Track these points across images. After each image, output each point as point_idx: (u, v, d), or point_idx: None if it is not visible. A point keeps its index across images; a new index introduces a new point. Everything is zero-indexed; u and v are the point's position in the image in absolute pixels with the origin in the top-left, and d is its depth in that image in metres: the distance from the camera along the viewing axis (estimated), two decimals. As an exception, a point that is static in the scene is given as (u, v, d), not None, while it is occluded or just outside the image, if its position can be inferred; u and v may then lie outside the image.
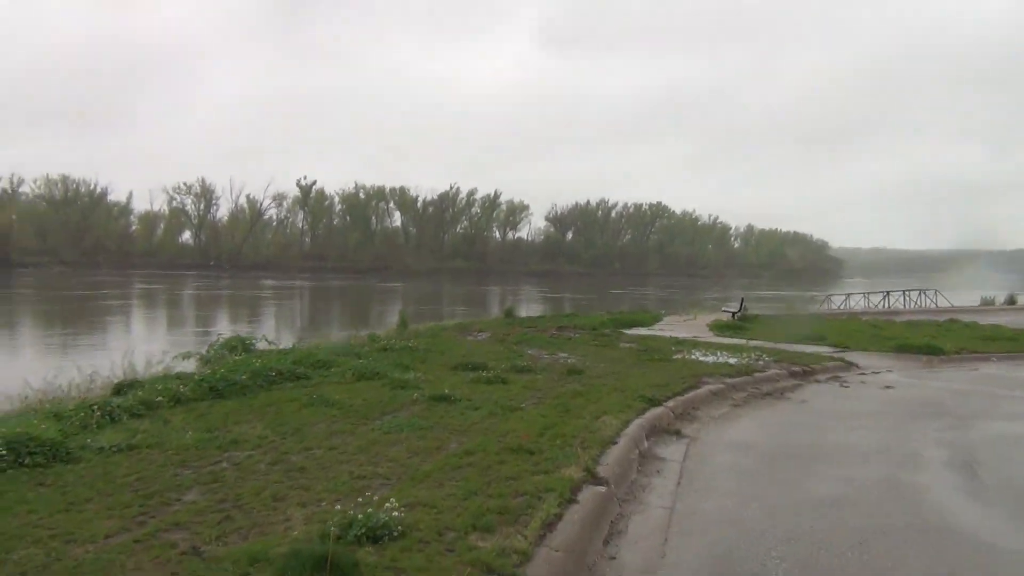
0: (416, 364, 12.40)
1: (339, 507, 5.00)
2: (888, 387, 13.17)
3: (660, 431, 8.81)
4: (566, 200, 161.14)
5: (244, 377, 9.47)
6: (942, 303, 41.90)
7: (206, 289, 70.61)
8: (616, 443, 7.51)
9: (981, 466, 7.64)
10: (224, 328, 37.22)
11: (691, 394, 10.87)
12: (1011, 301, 44.36)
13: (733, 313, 25.37)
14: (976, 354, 17.95)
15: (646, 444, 8.14)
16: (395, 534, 4.46)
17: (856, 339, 19.84)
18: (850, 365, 15.47)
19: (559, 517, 5.12)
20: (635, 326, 23.22)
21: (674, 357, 15.29)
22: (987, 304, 42.49)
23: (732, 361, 14.80)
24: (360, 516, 4.54)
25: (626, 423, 8.45)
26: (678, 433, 8.81)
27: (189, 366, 12.68)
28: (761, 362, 14.98)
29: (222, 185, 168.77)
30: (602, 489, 5.99)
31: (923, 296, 42.21)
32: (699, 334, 20.96)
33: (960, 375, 15.16)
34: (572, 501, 5.50)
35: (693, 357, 15.39)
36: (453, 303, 63.82)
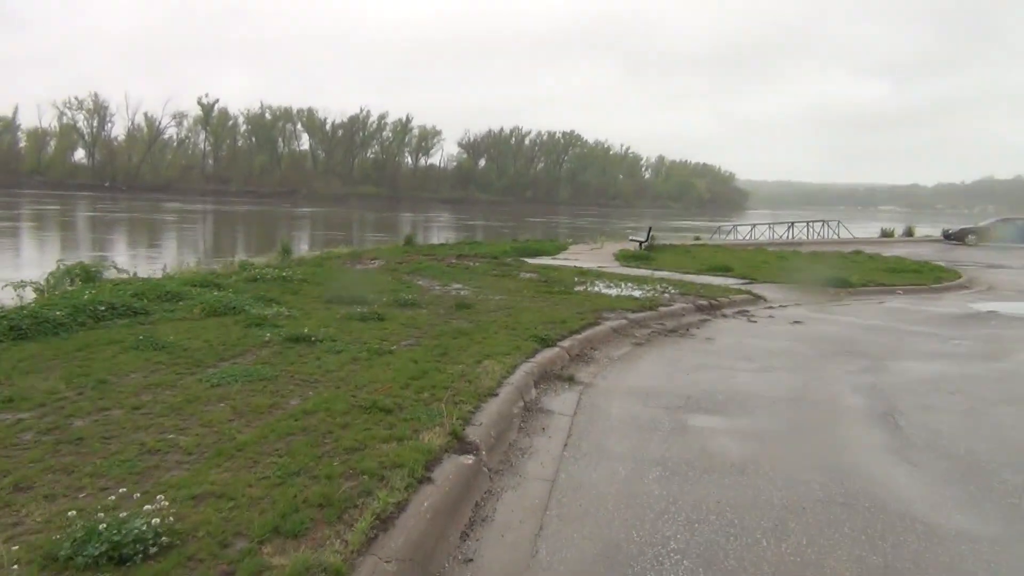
0: (285, 297, 10.96)
1: (107, 499, 3.70)
2: (797, 322, 12.47)
3: (551, 377, 7.72)
4: (480, 127, 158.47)
5: (60, 313, 7.87)
6: (844, 235, 42.41)
7: (94, 211, 66.25)
8: (496, 395, 6.36)
9: (903, 416, 6.84)
10: (99, 255, 34.59)
11: (590, 332, 9.83)
12: (909, 233, 45.38)
13: (640, 243, 24.60)
14: (882, 287, 17.59)
15: (533, 394, 7.03)
16: (153, 551, 3.17)
17: (763, 271, 19.28)
18: (757, 298, 14.77)
19: (402, 506, 3.93)
20: (539, 255, 22.18)
21: (576, 289, 14.27)
22: (887, 236, 43.29)
23: (636, 294, 13.89)
24: (104, 526, 3.22)
25: (512, 368, 7.32)
26: (571, 379, 7.74)
27: (27, 297, 10.93)
28: (667, 295, 14.12)
29: (117, 101, 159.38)
30: (469, 460, 4.83)
31: (826, 227, 42.58)
32: (605, 264, 20.06)
33: (868, 309, 14.65)
34: (425, 480, 4.32)
35: (596, 289, 14.41)
36: (362, 229, 61.89)
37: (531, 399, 6.86)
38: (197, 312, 8.96)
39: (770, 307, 14.15)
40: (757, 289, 15.84)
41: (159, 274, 13.74)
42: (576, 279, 15.87)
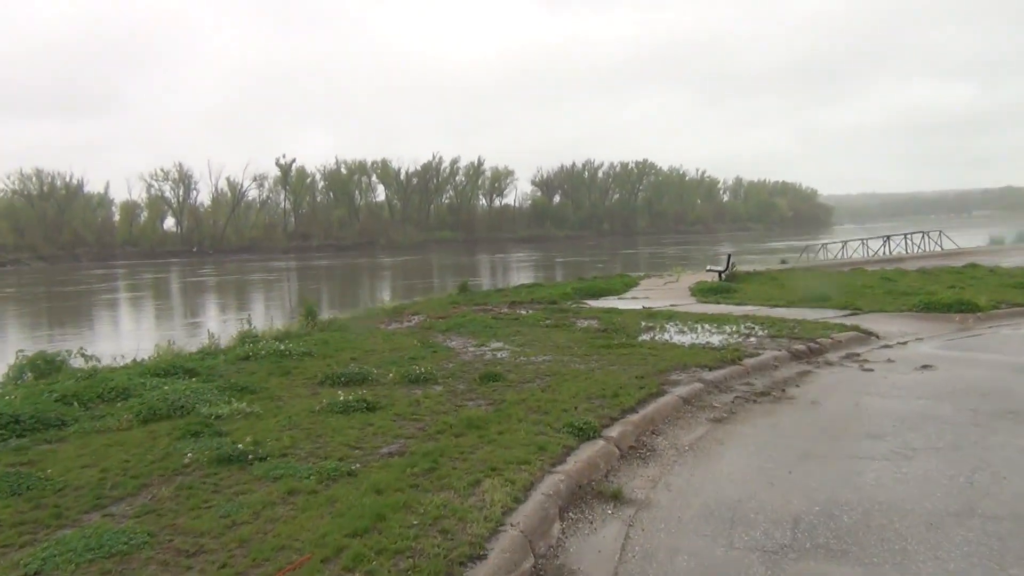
0: (269, 382, 8.83)
1: None
2: (926, 367, 9.67)
3: (589, 495, 5.29)
4: (552, 164, 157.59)
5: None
6: (948, 245, 38.45)
7: (177, 276, 66.92)
8: (484, 557, 3.99)
9: None
10: (169, 322, 33.72)
11: (651, 407, 7.35)
12: (1022, 238, 41.02)
13: (719, 273, 21.84)
14: (1018, 307, 14.47)
15: (555, 534, 4.63)
16: None
17: (867, 297, 16.36)
18: (868, 335, 11.97)
19: None
20: (604, 295, 19.69)
21: (640, 339, 11.78)
22: (997, 243, 39.16)
23: (716, 340, 11.30)
24: None
25: (526, 490, 4.95)
26: (618, 497, 5.28)
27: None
28: (753, 338, 11.49)
29: (200, 169, 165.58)
30: None
31: (926, 239, 38.70)
32: (678, 301, 17.44)
33: (1011, 340, 11.69)
34: None
35: (665, 338, 11.88)
36: (441, 276, 60.49)
37: (550, 547, 4.46)
38: (126, 420, 6.87)
39: (886, 346, 11.33)
40: (864, 322, 13.02)
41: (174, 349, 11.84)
42: (642, 324, 13.36)
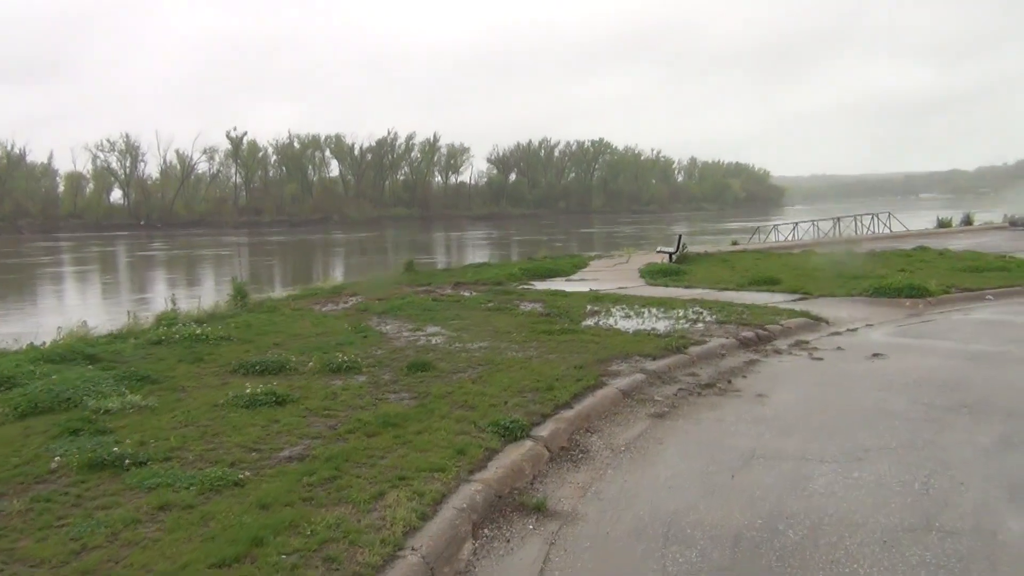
0: (177, 369, 8.10)
1: None
2: (877, 355, 9.28)
3: (509, 508, 4.72)
4: (511, 143, 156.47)
5: None
6: (896, 227, 38.69)
7: (126, 251, 64.87)
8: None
9: None
10: (112, 299, 32.45)
11: (588, 401, 6.81)
12: (968, 221, 41.49)
13: (670, 254, 21.42)
14: (968, 292, 14.27)
15: (465, 555, 4.05)
16: None
17: (817, 280, 16.05)
18: (817, 321, 11.59)
19: None
20: (552, 276, 19.13)
21: (584, 324, 11.25)
22: (944, 226, 39.46)
23: (661, 326, 10.81)
24: None
25: (436, 504, 4.36)
26: (541, 509, 4.72)
27: None
28: (700, 324, 11.03)
29: (149, 141, 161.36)
30: None
31: (876, 221, 38.87)
32: (627, 283, 16.97)
33: (962, 326, 11.42)
34: None
35: (610, 323, 11.36)
36: (394, 252, 59.55)
37: (456, 574, 3.87)
38: (0, 414, 6.10)
39: (836, 332, 10.96)
40: (814, 307, 12.65)
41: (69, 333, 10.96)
42: (588, 308, 12.84)
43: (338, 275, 42.59)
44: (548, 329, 10.50)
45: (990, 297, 14.09)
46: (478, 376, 7.70)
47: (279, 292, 20.23)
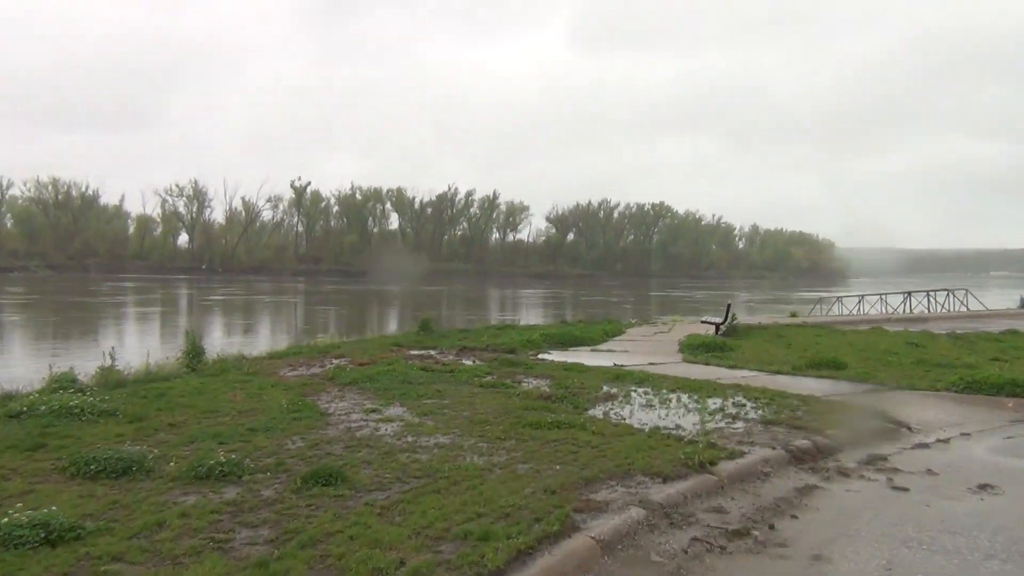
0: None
1: None
2: (985, 487, 6.58)
3: None
4: (568, 201, 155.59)
5: None
6: (974, 305, 35.25)
7: (189, 295, 64.52)
8: None
9: None
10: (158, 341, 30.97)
11: (538, 565, 4.32)
12: (1055, 303, 37.73)
13: (716, 325, 18.75)
14: (1086, 393, 11.36)
15: None
16: None
17: (891, 367, 13.30)
18: (897, 426, 8.88)
19: None
20: (578, 344, 16.67)
21: (589, 413, 8.78)
22: (1029, 306, 35.81)
23: (687, 423, 8.25)
24: None
25: None
26: None
27: None
28: (740, 422, 8.46)
29: (216, 187, 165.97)
30: None
31: (951, 297, 35.49)
32: (661, 358, 14.39)
33: (1092, 443, 8.60)
34: None
35: (623, 414, 8.86)
36: (444, 306, 57.96)
37: None
38: None
39: (922, 444, 8.24)
40: (890, 404, 9.94)
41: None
42: (603, 390, 10.35)
43: (375, 327, 40.83)
44: (539, 420, 8.02)
45: (1116, 400, 11.15)
46: (399, 500, 5.29)
47: (277, 346, 18.18)
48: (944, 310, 34.07)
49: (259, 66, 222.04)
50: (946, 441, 8.43)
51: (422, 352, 14.71)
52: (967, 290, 36.65)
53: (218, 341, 30.95)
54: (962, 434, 8.79)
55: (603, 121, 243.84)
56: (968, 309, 34.41)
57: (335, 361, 13.16)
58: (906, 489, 6.53)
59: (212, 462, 5.77)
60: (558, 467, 6.29)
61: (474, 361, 13.42)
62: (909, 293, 35.68)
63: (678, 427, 8.09)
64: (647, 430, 7.89)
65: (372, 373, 11.12)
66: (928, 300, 35.38)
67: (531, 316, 47.70)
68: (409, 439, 7.23)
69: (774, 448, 7.29)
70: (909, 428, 8.86)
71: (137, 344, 26.75)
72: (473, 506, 5.16)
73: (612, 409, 9.13)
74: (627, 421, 8.42)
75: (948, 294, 35.61)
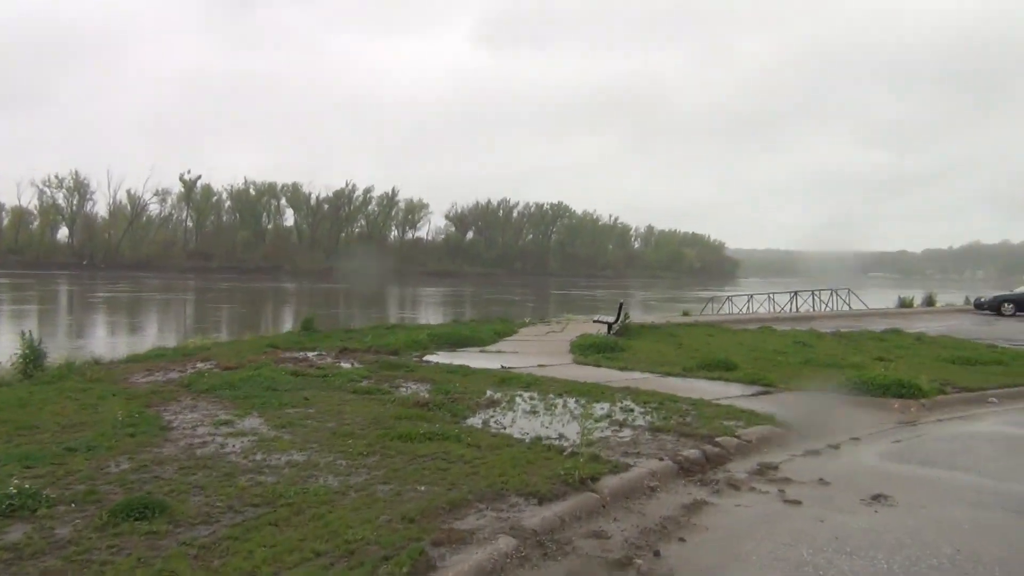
0: None
1: None
2: (878, 497, 6.22)
3: None
4: (470, 200, 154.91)
5: None
6: (856, 305, 36.43)
7: (60, 289, 60.27)
8: None
9: None
10: None
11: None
12: (930, 302, 39.48)
13: (608, 325, 18.40)
14: (967, 392, 11.42)
15: None
16: None
17: (779, 367, 13.16)
18: (787, 430, 8.54)
19: None
20: (466, 345, 15.98)
21: (468, 422, 8.11)
22: (906, 305, 37.25)
23: (572, 433, 7.64)
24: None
25: None
26: None
27: None
28: (628, 429, 7.95)
29: (99, 179, 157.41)
30: None
31: (835, 297, 36.59)
32: (551, 359, 13.86)
33: (976, 444, 8.47)
34: None
35: (504, 422, 8.21)
36: (336, 304, 56.22)
37: None
38: None
39: (813, 450, 7.91)
40: (780, 407, 9.64)
41: None
42: (487, 395, 9.69)
43: (269, 325, 39.10)
44: (410, 432, 7.26)
45: (994, 400, 11.24)
46: (225, 537, 4.46)
47: (165, 346, 16.73)
48: (828, 309, 35.08)
49: (153, 53, 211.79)
50: (836, 447, 8.13)
51: (298, 354, 13.74)
52: (849, 289, 37.86)
53: (101, 341, 28.89)
54: (851, 438, 8.53)
55: (505, 120, 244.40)
56: (851, 308, 35.51)
57: (199, 365, 12.07)
58: (798, 502, 6.10)
59: (1, 494, 4.77)
60: (423, 488, 5.57)
61: (353, 364, 12.56)
62: (795, 292, 36.61)
63: (561, 436, 7.49)
64: (528, 441, 7.26)
65: (235, 379, 10.13)
66: (813, 299, 36.38)
67: (431, 314, 46.86)
68: (258, 457, 6.36)
69: (661, 459, 6.76)
70: (799, 432, 8.53)
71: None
72: (314, 541, 4.38)
73: (493, 417, 8.47)
74: (507, 431, 7.77)
75: (832, 293, 36.68)
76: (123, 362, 12.61)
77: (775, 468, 7.07)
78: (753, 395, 10.61)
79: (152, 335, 31.62)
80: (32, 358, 10.33)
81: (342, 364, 12.52)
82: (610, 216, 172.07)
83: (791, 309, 34.87)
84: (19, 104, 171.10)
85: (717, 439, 7.59)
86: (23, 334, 10.60)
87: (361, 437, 7.13)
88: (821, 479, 6.75)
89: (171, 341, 21.68)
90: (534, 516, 5.10)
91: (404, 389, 10.19)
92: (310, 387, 9.97)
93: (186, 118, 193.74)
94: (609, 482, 5.97)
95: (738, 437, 7.80)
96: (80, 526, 4.59)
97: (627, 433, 7.79)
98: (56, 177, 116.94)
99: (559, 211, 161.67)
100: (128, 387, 9.64)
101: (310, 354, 13.82)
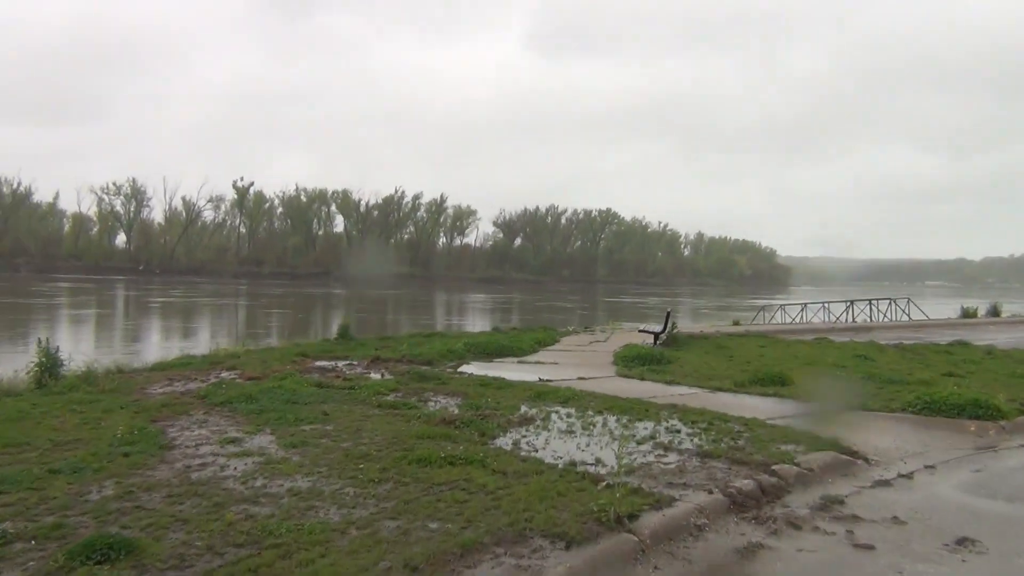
0: None
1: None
2: (963, 542, 5.35)
3: None
4: (516, 206, 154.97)
5: None
6: (916, 315, 34.89)
7: (117, 294, 61.39)
8: None
9: None
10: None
11: None
12: (995, 312, 37.64)
13: (655, 335, 17.52)
14: (1050, 413, 10.35)
15: None
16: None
17: (839, 383, 12.16)
18: (852, 457, 7.66)
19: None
20: (504, 355, 15.27)
21: (496, 443, 7.40)
22: (969, 316, 35.58)
23: (609, 458, 6.86)
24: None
25: None
26: None
27: None
28: (673, 454, 7.15)
29: (155, 186, 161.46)
30: None
31: (893, 306, 35.08)
32: (593, 371, 13.08)
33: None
34: None
35: (536, 443, 7.47)
36: (386, 311, 56.35)
37: None
38: None
39: (883, 480, 7.02)
40: (843, 428, 8.73)
41: None
42: (520, 411, 8.99)
43: (319, 331, 38.92)
44: (431, 454, 6.56)
45: (1082, 422, 10.15)
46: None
47: (191, 352, 16.38)
48: (887, 319, 33.63)
49: (206, 63, 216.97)
50: (909, 476, 7.23)
51: (328, 363, 13.20)
52: (909, 299, 36.32)
53: (155, 345, 28.95)
54: (926, 466, 7.60)
55: (554, 126, 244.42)
56: (910, 318, 34.03)
57: (223, 375, 11.57)
58: (871, 547, 5.25)
59: None
60: (434, 525, 4.87)
61: (383, 375, 11.94)
62: (852, 302, 35.20)
63: (599, 462, 6.73)
64: (561, 467, 6.51)
65: (255, 391, 9.57)
66: (871, 309, 34.94)
67: (478, 321, 46.35)
68: (258, 483, 5.73)
69: (711, 492, 5.96)
70: (866, 460, 7.65)
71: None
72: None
73: (525, 437, 7.74)
74: (539, 454, 7.03)
75: (890, 303, 35.20)
76: (147, 370, 12.17)
77: (841, 503, 6.22)
78: (812, 415, 9.69)
79: (204, 340, 31.61)
80: (47, 366, 9.90)
81: (372, 375, 11.92)
82: (659, 223, 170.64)
83: (847, 319, 33.50)
84: (77, 112, 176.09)
85: (774, 467, 6.75)
86: (39, 341, 10.18)
87: (376, 460, 6.47)
88: (895, 517, 5.88)
89: (222, 346, 21.45)
90: (559, 564, 4.36)
91: (433, 404, 9.52)
92: (333, 400, 9.36)
93: (239, 126, 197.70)
94: (650, 520, 5.20)
95: (798, 465, 6.94)
96: (32, 570, 3.98)
97: (672, 458, 6.99)
98: (114, 184, 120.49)
99: (607, 217, 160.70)
100: (140, 399, 9.12)
101: (340, 363, 13.27)
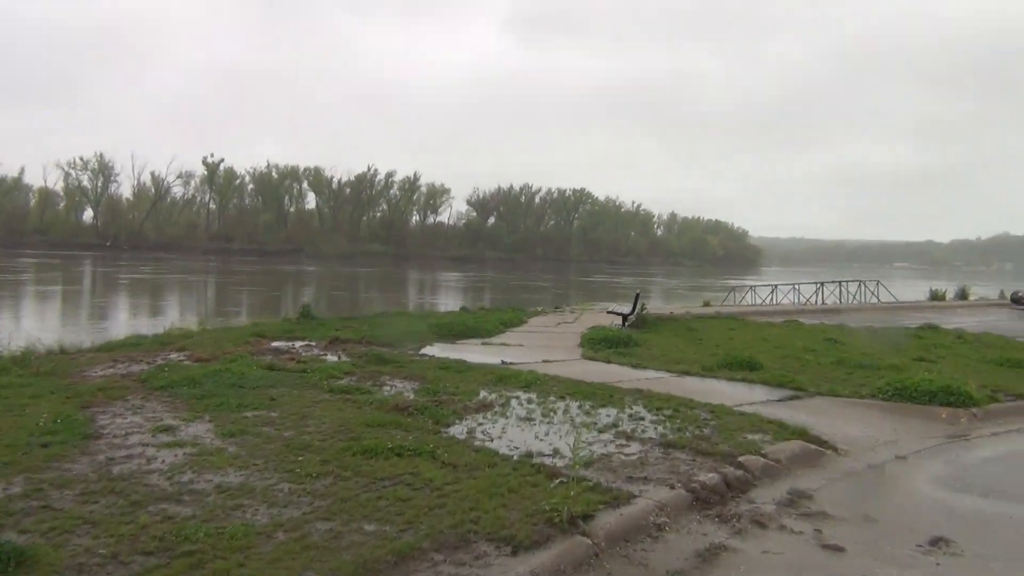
0: None
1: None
2: (938, 542, 5.05)
3: None
4: (490, 186, 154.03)
5: None
6: (885, 297, 34.89)
7: (84, 270, 60.09)
8: None
9: None
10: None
11: None
12: (963, 295, 37.75)
13: (623, 317, 17.19)
14: (1022, 400, 10.15)
15: None
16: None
17: (808, 366, 11.94)
18: (821, 445, 7.35)
19: None
20: (469, 336, 14.87)
21: (450, 431, 7.01)
22: (937, 299, 35.66)
23: (566, 448, 6.45)
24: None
25: None
26: None
27: None
28: (635, 444, 6.79)
29: (124, 162, 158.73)
30: None
31: (863, 288, 35.05)
32: (558, 354, 12.71)
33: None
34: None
35: (492, 432, 7.08)
36: (359, 288, 55.60)
37: None
38: None
39: (853, 472, 6.72)
40: (812, 415, 8.48)
41: None
42: (479, 396, 8.61)
43: (289, 308, 38.20)
44: (379, 444, 6.15)
45: (1054, 410, 9.96)
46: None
47: (156, 330, 15.75)
48: (856, 301, 33.57)
49: (182, 43, 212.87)
50: (880, 467, 6.94)
51: (285, 344, 12.72)
52: (878, 281, 36.33)
53: (122, 323, 28.11)
54: (897, 456, 7.32)
55: (531, 110, 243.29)
56: (880, 300, 34.02)
57: (171, 356, 11.05)
58: (840, 549, 4.92)
59: None
60: (370, 527, 4.46)
61: (340, 357, 11.49)
62: (822, 283, 35.09)
63: (556, 453, 6.36)
64: (516, 458, 6.13)
65: (200, 374, 9.08)
66: (840, 290, 34.86)
67: (451, 300, 45.83)
68: (184, 478, 5.29)
69: (672, 487, 5.60)
70: (835, 449, 7.34)
71: (10, 326, 23.72)
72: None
73: (481, 425, 7.35)
74: (494, 443, 6.64)
75: (860, 285, 35.17)
76: (92, 351, 11.62)
77: (809, 497, 5.90)
78: (780, 400, 9.40)
79: (173, 318, 30.83)
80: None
81: (328, 357, 11.46)
82: (633, 203, 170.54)
83: (817, 301, 33.40)
84: (49, 92, 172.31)
85: (740, 458, 6.42)
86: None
87: (318, 451, 6.04)
88: (866, 515, 5.57)
89: (188, 324, 20.81)
90: (503, 574, 3.97)
91: (388, 388, 9.10)
92: (282, 384, 8.90)
93: (214, 107, 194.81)
94: (606, 520, 4.83)
95: (765, 456, 6.62)
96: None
97: (634, 449, 6.64)
98: (81, 159, 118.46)
99: (581, 197, 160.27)
100: (76, 382, 8.61)
101: (298, 344, 12.80)
